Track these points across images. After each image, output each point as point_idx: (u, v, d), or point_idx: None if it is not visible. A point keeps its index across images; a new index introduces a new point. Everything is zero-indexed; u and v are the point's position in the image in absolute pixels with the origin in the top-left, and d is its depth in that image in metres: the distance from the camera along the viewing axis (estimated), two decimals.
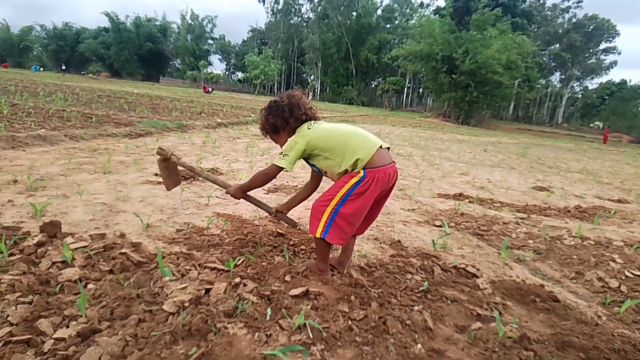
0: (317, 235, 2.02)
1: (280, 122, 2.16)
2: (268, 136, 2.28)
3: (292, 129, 2.16)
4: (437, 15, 44.10)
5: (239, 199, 2.37)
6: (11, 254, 2.11)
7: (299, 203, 2.47)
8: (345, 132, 2.11)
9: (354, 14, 60.58)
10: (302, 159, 2.14)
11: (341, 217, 1.98)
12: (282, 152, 2.08)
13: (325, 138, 2.07)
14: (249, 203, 2.47)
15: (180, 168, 2.63)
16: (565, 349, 1.76)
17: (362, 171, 1.96)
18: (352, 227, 2.04)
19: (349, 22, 60.26)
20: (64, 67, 60.32)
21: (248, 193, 2.37)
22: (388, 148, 2.13)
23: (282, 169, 2.09)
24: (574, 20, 59.49)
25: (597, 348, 1.74)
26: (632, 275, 2.75)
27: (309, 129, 2.11)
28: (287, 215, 2.50)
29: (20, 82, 18.63)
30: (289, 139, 2.13)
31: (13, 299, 1.68)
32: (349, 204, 1.97)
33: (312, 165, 2.21)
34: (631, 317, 2.18)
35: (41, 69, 59.18)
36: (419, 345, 1.64)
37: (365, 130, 2.16)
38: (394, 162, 2.10)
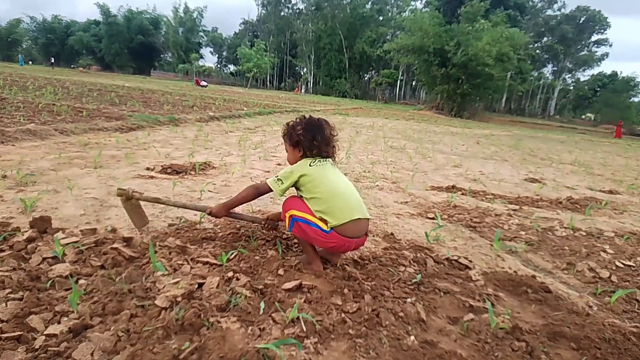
0: (287, 229, 2.18)
1: (307, 145, 2.17)
2: (286, 142, 2.29)
3: (308, 154, 2.19)
4: (427, 8, 44.05)
5: (220, 217, 2.43)
6: (1, 250, 2.08)
7: None
8: (332, 189, 2.13)
9: (345, 2, 60.28)
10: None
11: (298, 227, 2.11)
12: (278, 177, 2.16)
13: (314, 184, 2.11)
14: (235, 219, 2.54)
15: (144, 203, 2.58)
16: (557, 339, 1.78)
17: (329, 229, 2.04)
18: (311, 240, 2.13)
19: (342, 14, 59.95)
20: (52, 61, 59.38)
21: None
22: (368, 219, 2.19)
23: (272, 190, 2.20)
24: (562, 10, 59.83)
25: (588, 338, 1.76)
26: (622, 266, 2.79)
27: (310, 165, 2.15)
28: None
29: (9, 76, 18.34)
30: (291, 166, 2.20)
31: (3, 295, 1.66)
32: (306, 227, 2.08)
33: (297, 189, 2.24)
34: (621, 307, 2.21)
35: (30, 62, 58.20)
36: (412, 337, 1.65)
37: (355, 191, 2.20)
38: (367, 234, 2.20)
